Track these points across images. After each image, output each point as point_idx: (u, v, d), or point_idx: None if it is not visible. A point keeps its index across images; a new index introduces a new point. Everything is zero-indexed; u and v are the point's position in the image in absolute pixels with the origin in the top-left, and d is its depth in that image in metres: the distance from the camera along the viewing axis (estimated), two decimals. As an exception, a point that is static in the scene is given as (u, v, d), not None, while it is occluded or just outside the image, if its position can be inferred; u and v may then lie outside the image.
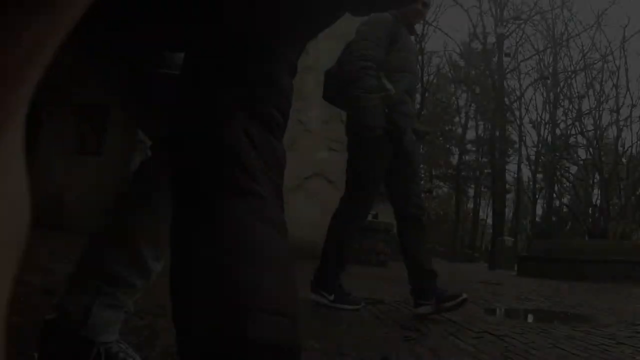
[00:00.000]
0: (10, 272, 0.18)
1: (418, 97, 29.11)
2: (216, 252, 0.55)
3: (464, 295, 2.41)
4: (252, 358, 0.50)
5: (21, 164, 0.18)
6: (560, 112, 26.26)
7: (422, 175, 28.83)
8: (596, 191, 24.01)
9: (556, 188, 26.74)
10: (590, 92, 24.90)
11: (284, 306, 0.54)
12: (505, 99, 24.31)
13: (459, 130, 31.14)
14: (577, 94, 25.19)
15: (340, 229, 2.64)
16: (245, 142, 0.60)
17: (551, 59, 26.37)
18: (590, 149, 23.02)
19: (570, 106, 25.58)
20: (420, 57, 29.33)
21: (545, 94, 27.03)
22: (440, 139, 31.36)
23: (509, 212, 26.43)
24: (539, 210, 28.97)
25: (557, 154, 24.90)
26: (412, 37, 2.88)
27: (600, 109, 24.40)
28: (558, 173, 25.49)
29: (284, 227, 0.60)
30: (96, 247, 1.02)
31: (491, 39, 25.34)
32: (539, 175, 27.60)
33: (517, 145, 27.41)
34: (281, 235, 0.59)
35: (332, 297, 2.55)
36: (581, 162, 24.29)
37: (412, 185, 2.67)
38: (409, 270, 2.59)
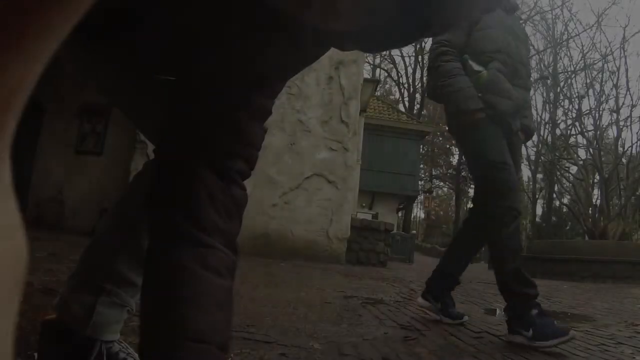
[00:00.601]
0: (13, 307, 0.18)
1: (418, 97, 29.28)
2: (160, 290, 0.69)
3: (466, 318, 2.39)
4: None
5: (9, 185, 0.18)
6: (560, 112, 26.29)
7: (422, 176, 28.84)
8: (596, 191, 24.02)
9: (556, 188, 26.75)
10: (590, 92, 24.91)
11: (210, 336, 0.66)
12: (505, 99, 24.24)
13: (459, 130, 31.05)
14: (577, 94, 25.19)
15: (504, 235, 2.14)
16: (203, 199, 0.71)
17: (551, 59, 26.38)
18: (590, 149, 23.02)
19: (570, 106, 25.59)
20: (420, 57, 29.34)
21: (545, 94, 27.05)
22: (440, 139, 31.36)
23: (509, 212, 26.38)
24: (539, 210, 29.00)
25: (557, 154, 24.90)
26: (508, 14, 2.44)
27: (600, 109, 24.41)
28: (558, 173, 25.48)
29: (228, 270, 0.73)
30: (99, 246, 1.02)
31: (491, 39, 25.27)
32: (539, 175, 27.62)
33: (517, 145, 27.35)
34: (222, 278, 0.71)
35: (530, 334, 1.96)
36: (581, 162, 24.27)
37: None
38: (442, 261, 2.48)
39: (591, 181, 24.03)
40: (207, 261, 0.70)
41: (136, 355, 1.03)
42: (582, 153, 25.61)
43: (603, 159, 22.65)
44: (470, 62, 2.27)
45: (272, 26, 0.66)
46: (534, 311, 2.00)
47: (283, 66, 0.78)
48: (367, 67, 25.71)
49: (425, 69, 2.64)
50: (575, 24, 34.04)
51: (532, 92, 2.31)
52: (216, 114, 0.74)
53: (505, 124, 2.23)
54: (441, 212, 41.20)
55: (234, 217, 0.75)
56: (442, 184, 34.47)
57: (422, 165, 27.82)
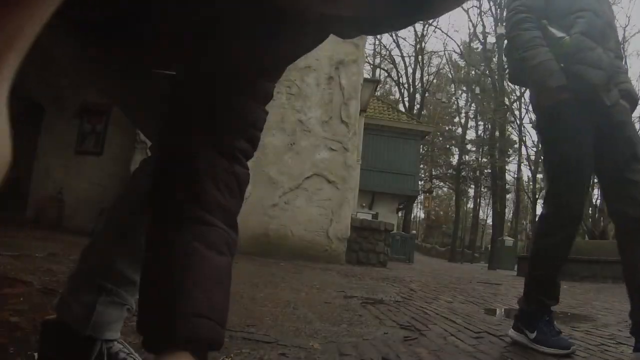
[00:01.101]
0: None
1: (418, 97, 29.29)
2: (159, 266, 0.70)
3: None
4: (179, 348, 0.63)
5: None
6: (560, 112, 26.19)
7: (422, 176, 28.85)
8: (596, 191, 23.99)
9: (556, 188, 26.67)
10: (590, 92, 24.88)
11: (209, 311, 0.67)
12: (505, 99, 24.31)
13: (459, 130, 31.17)
14: (577, 94, 25.14)
15: (546, 241, 1.97)
16: (204, 176, 0.72)
17: (551, 59, 26.30)
18: (590, 149, 23.05)
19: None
20: (420, 57, 29.34)
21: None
22: (440, 139, 31.38)
23: (509, 212, 26.46)
24: (539, 210, 28.97)
25: (557, 154, 24.81)
26: None
27: (600, 109, 24.40)
28: (558, 173, 25.41)
29: (228, 248, 0.73)
30: (98, 245, 1.02)
31: (491, 39, 25.34)
32: (539, 175, 27.60)
33: (517, 145, 27.43)
34: (222, 256, 0.72)
35: (533, 335, 1.91)
36: (581, 162, 24.19)
37: (628, 174, 1.85)
38: (631, 296, 1.90)
39: (591, 181, 24.01)
40: (207, 239, 0.70)
41: (136, 355, 1.03)
42: (582, 153, 25.54)
43: (603, 159, 22.61)
44: (550, 29, 1.92)
45: (275, 13, 0.66)
46: (546, 317, 1.93)
47: (284, 52, 0.78)
48: (367, 67, 25.72)
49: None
50: (575, 24, 34.00)
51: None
52: (219, 97, 0.75)
53: (597, 100, 1.85)
54: (441, 212, 41.24)
55: (235, 194, 0.76)
56: (442, 184, 34.51)
57: (422, 165, 27.83)
